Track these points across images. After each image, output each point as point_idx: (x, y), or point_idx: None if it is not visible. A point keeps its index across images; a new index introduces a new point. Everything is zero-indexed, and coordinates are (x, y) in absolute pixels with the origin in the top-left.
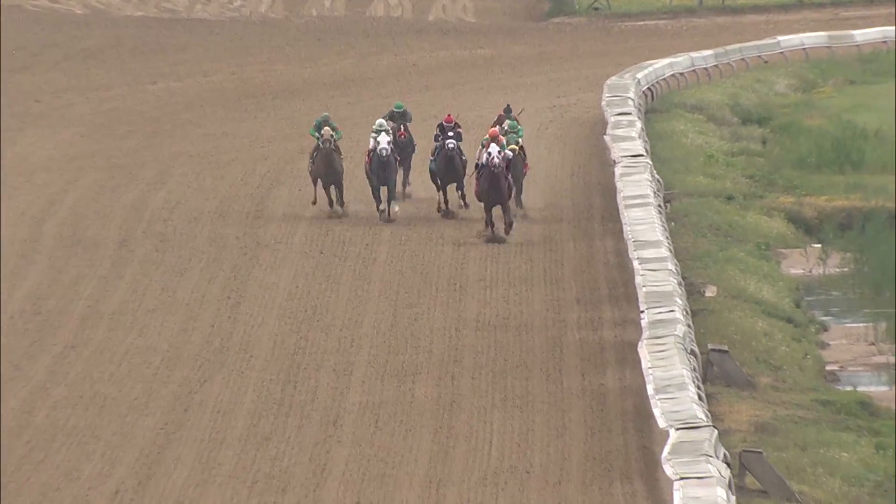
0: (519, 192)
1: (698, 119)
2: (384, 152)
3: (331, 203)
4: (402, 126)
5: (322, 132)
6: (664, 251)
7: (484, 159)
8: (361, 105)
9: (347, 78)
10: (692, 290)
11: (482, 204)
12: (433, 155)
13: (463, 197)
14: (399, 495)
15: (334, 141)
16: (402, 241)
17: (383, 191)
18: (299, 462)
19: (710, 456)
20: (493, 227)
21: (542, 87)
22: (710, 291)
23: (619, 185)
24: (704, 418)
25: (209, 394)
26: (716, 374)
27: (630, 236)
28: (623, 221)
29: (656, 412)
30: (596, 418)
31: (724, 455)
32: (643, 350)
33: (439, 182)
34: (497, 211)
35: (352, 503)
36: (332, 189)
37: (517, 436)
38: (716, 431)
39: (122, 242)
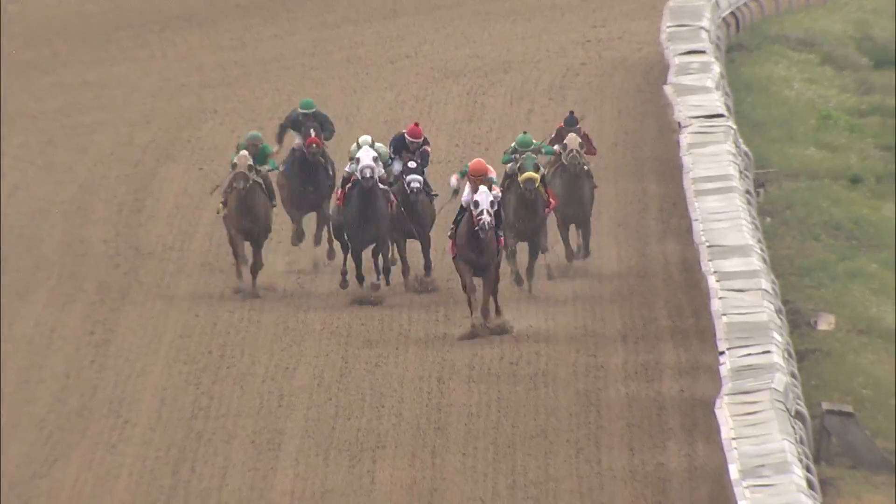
0: (535, 251)
1: (808, 60)
2: (367, 172)
3: (239, 271)
4: (310, 132)
5: (237, 160)
6: (755, 262)
7: (468, 200)
8: (294, 40)
9: None
10: (798, 321)
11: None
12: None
13: (426, 266)
14: None
15: (255, 174)
16: None
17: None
18: None
19: None
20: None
21: (571, 13)
22: (826, 323)
23: (686, 160)
24: None
25: (62, 480)
26: (835, 448)
27: (703, 239)
28: (693, 217)
29: None
30: None
31: None
32: (723, 412)
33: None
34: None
35: None
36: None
37: None
38: None
39: None
